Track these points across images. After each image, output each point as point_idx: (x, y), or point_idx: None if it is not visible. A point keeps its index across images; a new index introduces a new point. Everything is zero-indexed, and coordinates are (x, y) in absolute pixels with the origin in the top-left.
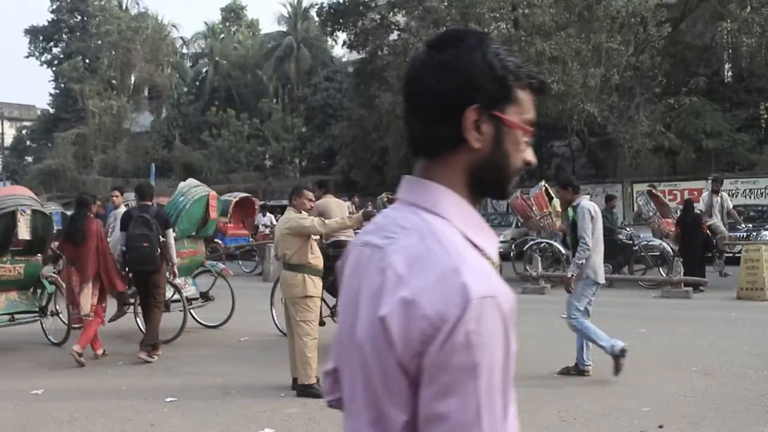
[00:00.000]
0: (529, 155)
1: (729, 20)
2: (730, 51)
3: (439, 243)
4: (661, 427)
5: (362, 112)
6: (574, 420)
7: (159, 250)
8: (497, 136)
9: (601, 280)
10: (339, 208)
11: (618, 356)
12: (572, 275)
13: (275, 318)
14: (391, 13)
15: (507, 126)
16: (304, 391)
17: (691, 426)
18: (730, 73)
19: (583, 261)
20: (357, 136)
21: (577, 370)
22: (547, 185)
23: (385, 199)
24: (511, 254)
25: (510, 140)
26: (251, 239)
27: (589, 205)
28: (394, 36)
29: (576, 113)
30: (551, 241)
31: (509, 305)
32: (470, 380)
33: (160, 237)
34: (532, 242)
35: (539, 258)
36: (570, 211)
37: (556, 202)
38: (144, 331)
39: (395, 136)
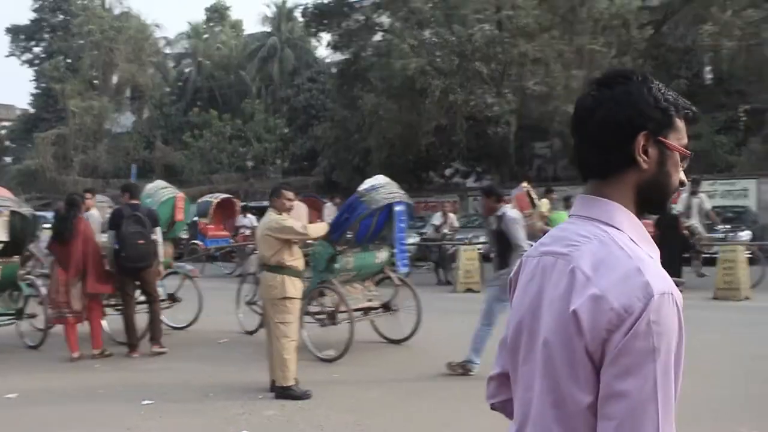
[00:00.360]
0: (683, 176)
1: (710, 23)
2: (711, 54)
3: (620, 248)
4: None
5: (345, 113)
6: None
7: (153, 247)
8: (661, 159)
9: None
10: (296, 212)
11: (466, 367)
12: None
13: (240, 318)
14: (376, 14)
15: (669, 149)
16: (283, 393)
17: (687, 426)
18: (710, 76)
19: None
20: (339, 137)
21: (464, 368)
22: (529, 187)
23: None
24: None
25: (671, 162)
26: (231, 240)
27: (514, 213)
28: (378, 37)
29: (558, 114)
30: (533, 243)
31: (681, 301)
32: (649, 363)
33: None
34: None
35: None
36: (492, 219)
37: (543, 202)
38: (123, 330)
39: (378, 137)
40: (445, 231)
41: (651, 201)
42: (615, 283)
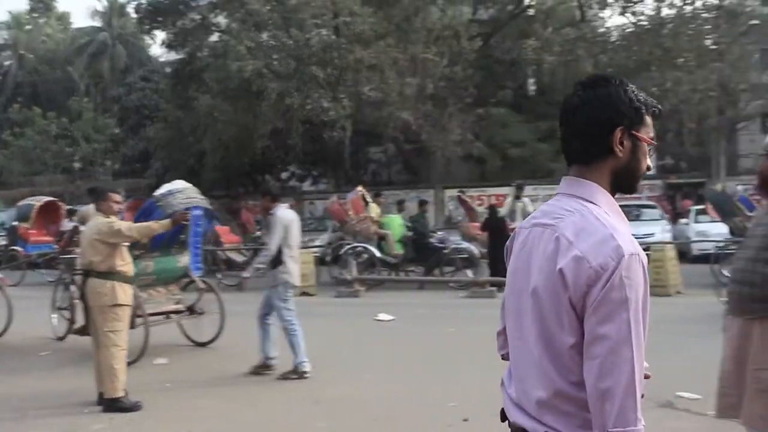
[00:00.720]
0: (649, 162)
1: (533, 38)
2: (534, 67)
3: (596, 219)
4: (466, 420)
5: (179, 114)
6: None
7: None
8: (633, 149)
9: (297, 282)
10: None
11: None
12: (250, 276)
13: (54, 323)
14: (213, 14)
15: (639, 141)
16: (111, 405)
17: (494, 417)
18: (533, 88)
19: (263, 265)
20: (173, 139)
21: (297, 372)
22: (364, 191)
23: None
24: (327, 258)
25: (641, 151)
26: (56, 246)
27: (284, 214)
28: (214, 38)
29: (392, 120)
30: (367, 245)
31: (645, 260)
32: (623, 310)
33: None
34: (348, 246)
35: (354, 262)
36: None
37: (374, 206)
38: None
39: (213, 139)
40: None
41: (623, 182)
42: (593, 246)
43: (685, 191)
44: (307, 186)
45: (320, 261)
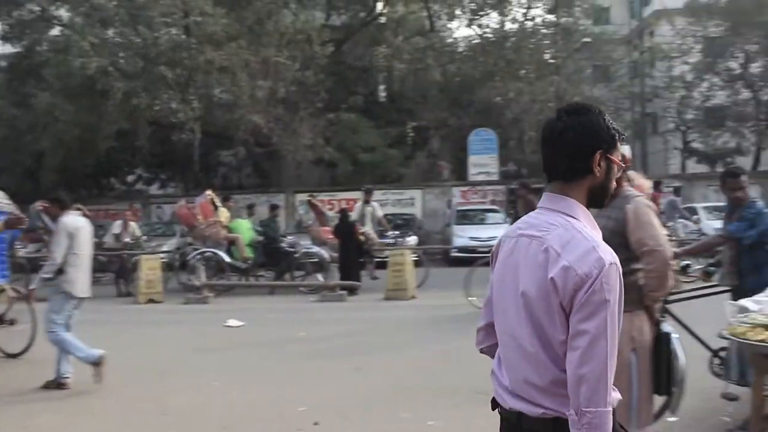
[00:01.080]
0: (615, 182)
1: (384, 46)
2: (385, 74)
3: (579, 232)
4: (316, 424)
5: (15, 111)
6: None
7: None
8: (608, 169)
9: (80, 294)
10: None
11: (97, 364)
12: (36, 288)
13: None
14: (53, 7)
15: (612, 163)
16: None
17: (344, 420)
18: (384, 94)
19: (49, 275)
20: (8, 138)
21: (56, 383)
22: (213, 194)
23: (39, 208)
24: (176, 264)
25: (613, 172)
26: None
27: (70, 221)
28: (55, 31)
29: (243, 123)
30: (216, 251)
31: (620, 268)
32: (603, 310)
33: None
34: (197, 252)
35: (203, 267)
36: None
37: (223, 210)
38: None
39: (53, 139)
40: (127, 240)
41: (597, 198)
42: (578, 257)
43: None
44: (154, 189)
45: (168, 267)
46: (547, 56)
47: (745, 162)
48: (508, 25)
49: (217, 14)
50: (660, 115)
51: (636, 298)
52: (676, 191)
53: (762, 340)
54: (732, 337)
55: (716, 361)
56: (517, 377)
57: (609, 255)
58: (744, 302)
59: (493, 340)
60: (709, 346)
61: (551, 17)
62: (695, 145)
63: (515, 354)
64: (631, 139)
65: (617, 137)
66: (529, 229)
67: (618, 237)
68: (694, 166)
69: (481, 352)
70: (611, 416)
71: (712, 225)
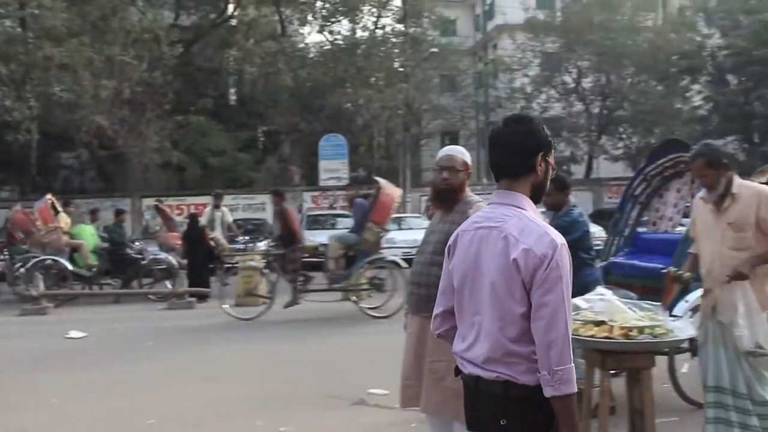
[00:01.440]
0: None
1: (235, 49)
2: (236, 77)
3: (531, 221)
4: None
5: None
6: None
7: None
8: (546, 170)
9: None
10: None
11: None
12: None
13: None
14: None
15: (549, 165)
16: None
17: (193, 429)
18: (234, 97)
19: None
20: None
21: None
22: (53, 199)
23: None
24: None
25: (549, 171)
26: None
27: None
28: None
29: (86, 124)
30: (57, 258)
31: (567, 247)
32: (559, 284)
33: None
34: (36, 260)
35: (41, 276)
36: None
37: (63, 215)
38: None
39: None
40: None
41: (537, 194)
42: (535, 241)
43: None
44: None
45: (1, 277)
46: (396, 64)
47: (578, 170)
48: (359, 33)
49: (56, 8)
50: None
51: None
52: None
53: (591, 336)
54: None
55: None
56: (475, 349)
57: (559, 238)
58: (575, 301)
59: (450, 324)
60: None
61: (401, 27)
62: None
63: (474, 330)
64: (475, 146)
65: (553, 143)
66: (486, 222)
67: None
68: None
69: (438, 336)
70: (573, 369)
71: None
